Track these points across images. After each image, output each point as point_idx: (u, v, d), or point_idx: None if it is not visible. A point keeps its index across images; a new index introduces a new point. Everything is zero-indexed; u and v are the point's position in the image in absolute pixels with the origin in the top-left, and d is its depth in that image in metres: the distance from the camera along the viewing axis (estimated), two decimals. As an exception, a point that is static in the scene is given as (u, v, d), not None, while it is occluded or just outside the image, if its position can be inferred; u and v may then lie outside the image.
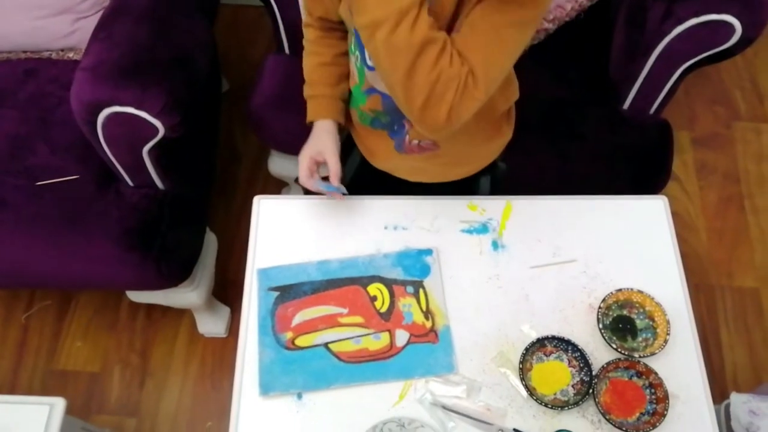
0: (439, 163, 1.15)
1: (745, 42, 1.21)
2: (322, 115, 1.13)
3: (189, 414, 1.66)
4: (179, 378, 1.71)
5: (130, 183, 1.34)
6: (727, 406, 1.27)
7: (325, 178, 1.12)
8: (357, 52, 1.05)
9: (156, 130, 1.17)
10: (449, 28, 0.89)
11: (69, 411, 1.16)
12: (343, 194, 1.12)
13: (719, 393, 1.61)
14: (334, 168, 1.10)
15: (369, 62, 1.02)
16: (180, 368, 1.72)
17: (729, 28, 1.20)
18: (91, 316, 1.79)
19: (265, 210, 1.17)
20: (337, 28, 1.11)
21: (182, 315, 1.77)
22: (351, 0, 0.84)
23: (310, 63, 1.14)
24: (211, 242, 1.61)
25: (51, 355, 1.74)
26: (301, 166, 1.11)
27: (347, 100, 1.14)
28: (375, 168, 1.22)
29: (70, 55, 1.54)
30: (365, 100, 1.10)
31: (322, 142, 1.11)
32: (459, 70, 0.85)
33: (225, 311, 1.73)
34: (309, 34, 1.13)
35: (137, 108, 1.13)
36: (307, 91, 1.14)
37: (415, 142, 1.13)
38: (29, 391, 1.69)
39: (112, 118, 1.15)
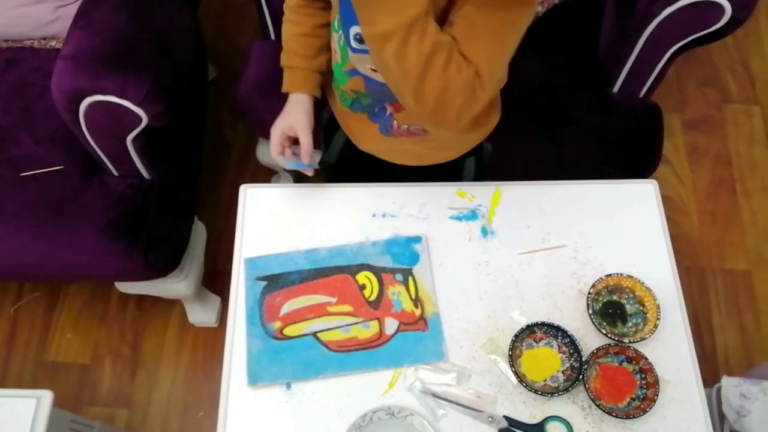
0: (426, 146, 1.14)
1: (734, 23, 1.20)
2: (297, 87, 1.11)
3: (181, 404, 1.66)
4: (171, 368, 1.70)
5: (115, 173, 1.32)
6: (719, 390, 1.27)
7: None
8: (340, 31, 1.02)
9: (139, 119, 1.15)
10: (442, 21, 0.88)
11: (58, 404, 1.15)
12: (315, 170, 1.11)
13: (711, 376, 1.62)
14: (305, 145, 1.08)
15: (353, 44, 0.99)
16: (171, 359, 1.71)
17: (719, 9, 1.18)
18: (81, 307, 1.78)
19: (252, 199, 1.15)
20: None
21: (173, 305, 1.75)
22: (357, 10, 0.83)
23: (288, 31, 1.11)
24: (199, 232, 1.60)
25: (41, 347, 1.73)
26: (273, 141, 1.09)
27: (326, 71, 1.12)
28: (359, 149, 1.21)
29: (53, 43, 1.51)
30: (346, 81, 1.08)
31: (295, 116, 1.10)
32: (466, 77, 0.85)
33: (215, 301, 1.72)
34: (289, 0, 1.10)
35: (119, 96, 1.11)
36: (284, 60, 1.12)
37: (405, 126, 1.11)
38: (19, 384, 1.68)
39: (94, 107, 1.13)
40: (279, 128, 1.10)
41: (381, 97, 1.09)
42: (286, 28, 1.12)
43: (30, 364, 1.71)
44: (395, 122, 1.10)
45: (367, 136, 1.16)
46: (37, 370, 1.70)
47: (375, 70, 1.02)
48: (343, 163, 1.27)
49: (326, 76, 1.14)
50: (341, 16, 0.99)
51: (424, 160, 1.19)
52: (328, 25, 1.08)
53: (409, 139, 1.12)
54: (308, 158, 1.08)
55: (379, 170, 1.21)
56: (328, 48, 1.10)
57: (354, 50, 1.01)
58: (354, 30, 0.98)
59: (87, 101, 1.12)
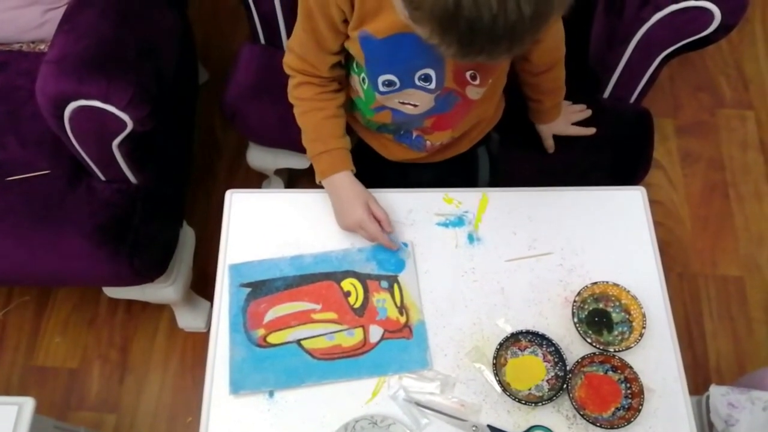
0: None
1: (724, 29, 1.19)
2: (341, 167, 1.10)
3: (169, 409, 1.65)
4: (159, 373, 1.69)
5: (102, 177, 1.31)
6: (708, 398, 1.26)
7: None
8: (362, 74, 1.06)
9: (124, 124, 1.14)
10: None
11: (45, 409, 1.14)
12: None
13: (702, 383, 1.61)
14: (384, 215, 1.07)
15: (381, 88, 1.05)
16: (160, 363, 1.70)
17: (708, 15, 1.18)
18: (70, 311, 1.76)
19: (238, 204, 1.15)
20: (338, 76, 1.10)
21: (162, 310, 1.74)
22: None
23: (314, 119, 1.10)
24: (188, 237, 1.59)
25: (30, 352, 1.72)
26: (371, 227, 1.06)
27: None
28: (369, 151, 1.23)
29: (41, 47, 1.50)
30: (373, 114, 1.12)
31: (363, 193, 1.08)
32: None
33: (205, 306, 1.71)
34: (304, 93, 1.10)
35: (103, 101, 1.10)
36: (317, 147, 1.10)
37: (438, 143, 1.17)
38: (7, 388, 1.66)
39: (78, 111, 1.12)
40: (364, 211, 1.06)
41: (408, 126, 1.15)
42: (307, 119, 1.11)
43: (18, 369, 1.70)
44: (428, 143, 1.16)
45: (393, 151, 1.21)
46: (26, 374, 1.69)
47: (403, 103, 1.07)
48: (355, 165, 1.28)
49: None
50: (368, 67, 1.03)
51: (443, 155, 1.22)
52: (343, 104, 1.12)
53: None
54: (389, 226, 1.08)
55: (392, 171, 1.24)
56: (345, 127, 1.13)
57: (382, 93, 1.05)
58: (382, 78, 1.03)
59: (71, 106, 1.11)
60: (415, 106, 1.08)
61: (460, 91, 1.06)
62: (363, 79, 1.06)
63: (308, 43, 1.03)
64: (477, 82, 1.04)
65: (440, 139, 1.16)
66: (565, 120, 1.31)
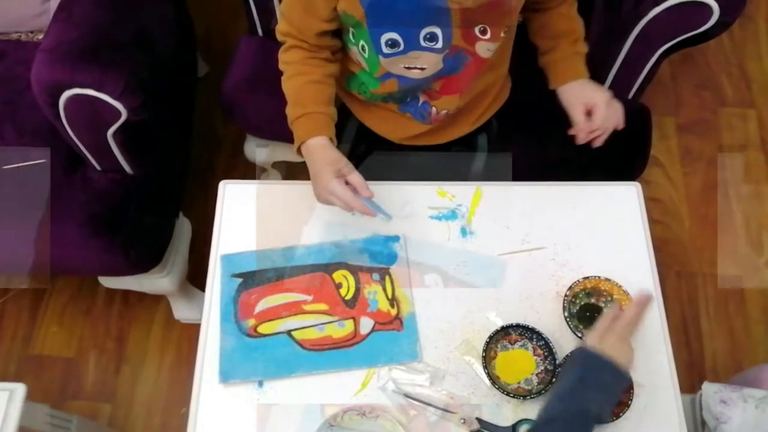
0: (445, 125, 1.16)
1: (722, 24, 1.19)
2: (318, 131, 1.02)
3: (164, 400, 1.65)
4: (155, 364, 1.69)
5: (98, 167, 1.32)
6: (702, 396, 1.26)
7: None
8: (362, 41, 1.02)
9: (118, 113, 1.14)
10: None
11: (40, 397, 1.14)
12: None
13: (699, 381, 1.59)
14: (360, 180, 0.99)
15: (385, 50, 1.00)
16: (156, 354, 1.70)
17: (706, 10, 1.17)
18: (67, 301, 1.77)
19: (231, 195, 1.15)
20: (328, 46, 1.05)
21: (159, 301, 1.75)
22: None
23: (296, 83, 1.05)
24: (184, 228, 1.59)
25: (27, 341, 1.72)
26: (340, 192, 0.97)
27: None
28: (371, 137, 1.21)
29: (40, 36, 1.51)
30: (378, 85, 1.09)
31: (335, 158, 1.00)
32: None
33: (201, 297, 1.68)
34: (292, 56, 1.05)
35: (97, 90, 1.10)
36: (296, 111, 1.03)
37: (444, 111, 1.13)
38: (4, 377, 1.67)
39: (73, 100, 1.13)
40: (333, 178, 0.98)
41: (415, 90, 1.11)
42: (292, 82, 1.05)
43: (15, 357, 1.70)
44: (433, 109, 1.11)
45: (396, 128, 1.17)
46: (22, 363, 1.70)
47: (409, 68, 1.04)
48: (356, 153, 1.26)
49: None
50: (369, 26, 0.98)
51: (444, 134, 1.20)
52: (333, 75, 1.07)
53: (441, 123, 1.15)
54: (367, 190, 1.00)
55: (391, 155, 1.22)
56: (333, 98, 1.08)
57: (386, 55, 1.01)
58: (385, 37, 0.99)
59: (66, 94, 1.12)
60: (422, 69, 1.03)
61: (471, 50, 1.02)
62: (363, 47, 1.02)
63: (295, 5, 1.00)
64: (488, 36, 1.00)
65: (447, 106, 1.11)
66: (600, 94, 1.10)
